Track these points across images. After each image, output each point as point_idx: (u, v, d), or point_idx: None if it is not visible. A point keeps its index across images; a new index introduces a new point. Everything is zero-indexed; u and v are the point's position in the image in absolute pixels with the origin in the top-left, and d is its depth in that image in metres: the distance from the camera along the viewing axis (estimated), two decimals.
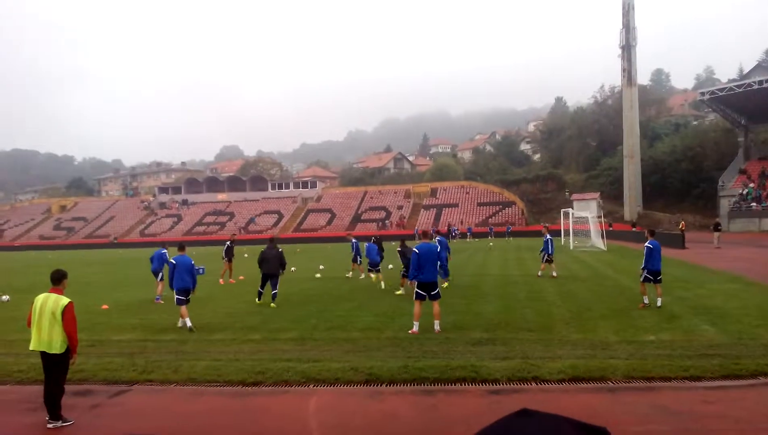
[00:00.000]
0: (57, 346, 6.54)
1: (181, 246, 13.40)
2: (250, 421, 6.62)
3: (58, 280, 6.89)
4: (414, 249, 10.97)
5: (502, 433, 1.31)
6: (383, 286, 17.97)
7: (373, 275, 19.20)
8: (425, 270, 10.76)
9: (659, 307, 12.57)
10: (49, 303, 6.63)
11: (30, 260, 44.60)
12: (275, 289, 15.07)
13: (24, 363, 8.98)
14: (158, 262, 17.16)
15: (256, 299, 15.46)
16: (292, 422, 6.57)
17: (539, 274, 19.75)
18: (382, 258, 19.24)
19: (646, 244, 13.32)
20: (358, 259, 21.34)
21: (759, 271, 19.46)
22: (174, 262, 12.50)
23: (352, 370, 8.19)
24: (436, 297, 10.91)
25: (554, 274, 19.63)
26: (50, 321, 6.55)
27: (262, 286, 15.35)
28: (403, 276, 17.17)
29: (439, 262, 11.32)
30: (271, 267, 15.09)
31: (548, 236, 20.02)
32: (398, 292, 16.63)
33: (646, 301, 12.96)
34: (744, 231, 47.41)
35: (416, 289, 10.92)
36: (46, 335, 6.54)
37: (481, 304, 14.07)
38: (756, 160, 56.44)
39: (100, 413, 7.01)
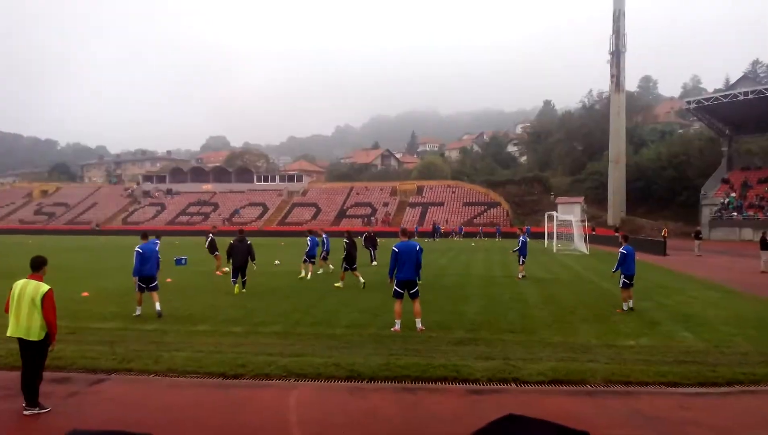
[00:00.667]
0: (35, 333, 6.46)
1: (144, 234, 13.40)
2: (230, 413, 6.59)
3: (37, 266, 6.81)
4: (393, 248, 10.97)
5: None
6: (309, 277, 19.33)
7: (305, 266, 19.76)
8: (404, 268, 10.78)
9: (631, 307, 13.08)
10: (29, 289, 6.54)
11: (9, 245, 43.92)
12: (244, 277, 16.25)
13: (2, 348, 8.83)
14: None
15: (234, 289, 15.96)
16: (272, 416, 6.55)
17: (519, 276, 19.83)
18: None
19: (621, 249, 13.59)
20: (326, 254, 21.68)
21: (738, 279, 19.80)
22: (141, 250, 12.48)
23: (334, 365, 8.18)
24: (415, 295, 10.92)
25: (520, 275, 19.78)
26: (29, 307, 6.46)
27: (234, 276, 16.26)
28: (345, 269, 17.62)
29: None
30: (241, 259, 16.08)
31: (522, 238, 19.89)
32: (337, 284, 17.23)
33: (625, 307, 13.14)
34: (725, 240, 48.17)
35: (395, 287, 10.91)
36: (24, 322, 6.46)
37: (465, 304, 14.13)
38: (739, 170, 57.37)
39: (78, 401, 6.93)
